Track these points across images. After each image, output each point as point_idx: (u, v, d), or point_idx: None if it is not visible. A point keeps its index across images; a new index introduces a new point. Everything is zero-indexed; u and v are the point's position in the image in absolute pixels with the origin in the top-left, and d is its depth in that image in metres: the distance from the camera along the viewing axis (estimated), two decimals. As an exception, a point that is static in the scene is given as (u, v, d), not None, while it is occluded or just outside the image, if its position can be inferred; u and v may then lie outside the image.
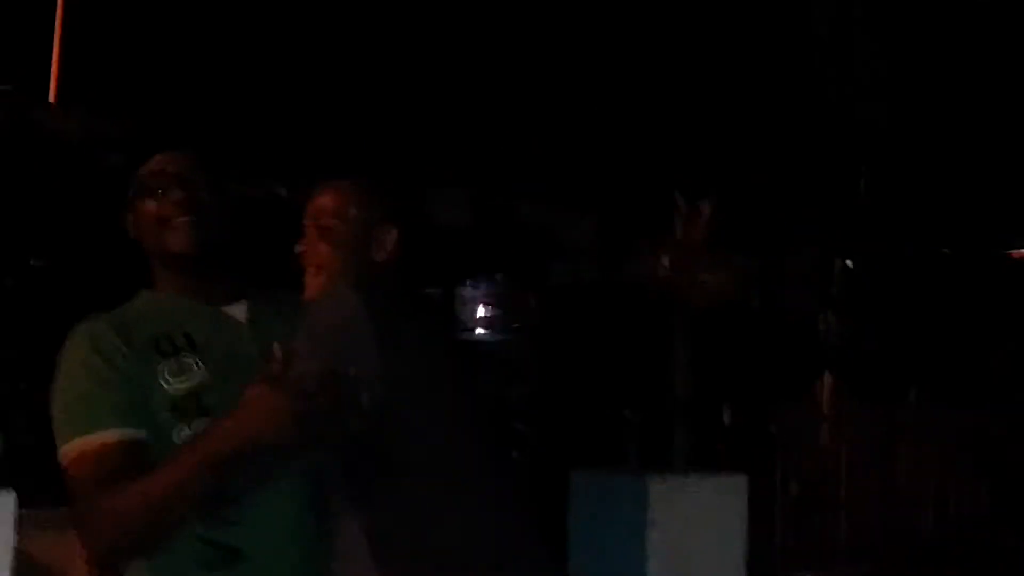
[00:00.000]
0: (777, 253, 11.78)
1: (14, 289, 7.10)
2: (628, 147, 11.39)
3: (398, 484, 2.14)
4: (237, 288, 2.32)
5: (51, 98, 9.11)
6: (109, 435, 2.05)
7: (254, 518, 2.12)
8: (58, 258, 7.15)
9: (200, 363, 2.17)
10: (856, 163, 12.80)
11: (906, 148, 12.94)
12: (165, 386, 2.13)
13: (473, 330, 7.95)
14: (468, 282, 8.34)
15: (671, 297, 9.74)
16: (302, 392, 1.95)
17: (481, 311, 7.80)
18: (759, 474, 9.17)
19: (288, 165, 8.96)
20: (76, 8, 9.93)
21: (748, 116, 11.92)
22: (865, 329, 12.10)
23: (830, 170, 12.51)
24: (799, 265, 12.03)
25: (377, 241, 2.38)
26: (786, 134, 12.28)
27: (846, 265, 12.36)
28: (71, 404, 2.09)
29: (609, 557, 2.27)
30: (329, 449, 2.10)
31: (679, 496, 2.38)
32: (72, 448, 2.05)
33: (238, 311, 2.30)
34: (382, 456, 2.13)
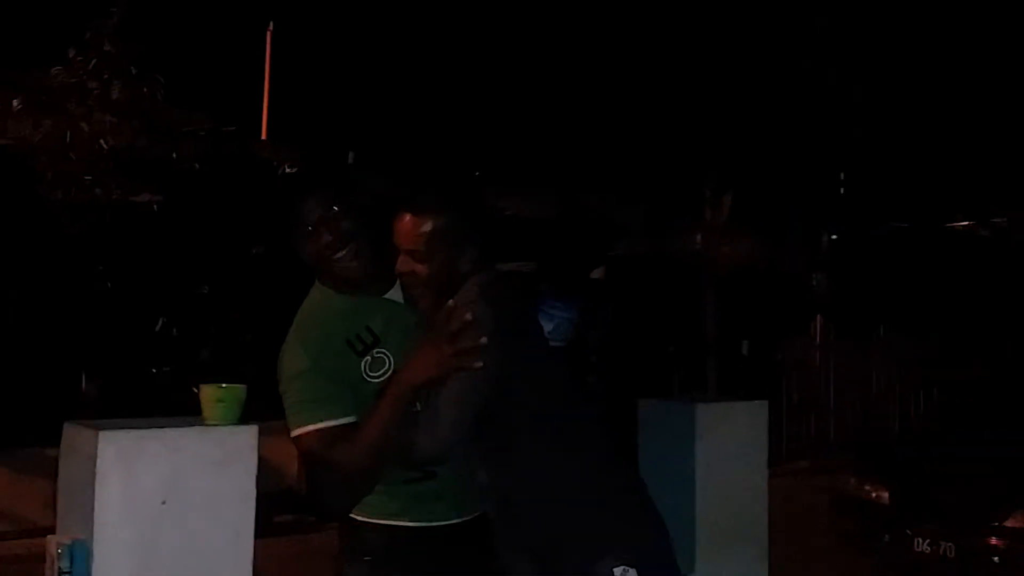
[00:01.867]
0: (780, 230, 11.61)
1: (242, 271, 7.19)
2: (669, 152, 11.27)
3: (524, 442, 1.92)
4: (389, 274, 2.07)
5: (263, 135, 9.24)
6: (329, 423, 1.96)
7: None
8: (269, 248, 7.21)
9: (388, 354, 2.04)
10: (836, 162, 12.50)
11: (875, 150, 12.63)
12: (370, 381, 2.03)
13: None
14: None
15: (702, 264, 9.68)
16: (460, 348, 1.82)
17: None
18: (770, 389, 9.18)
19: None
20: (281, 62, 9.98)
21: (758, 128, 11.69)
22: (845, 283, 11.86)
23: (817, 167, 12.25)
24: (796, 237, 11.85)
25: (467, 257, 1.99)
26: (785, 141, 12.03)
27: (831, 237, 12.12)
28: (299, 402, 1.98)
29: (668, 465, 2.26)
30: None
31: (719, 418, 2.36)
32: (304, 432, 1.97)
33: (396, 294, 2.11)
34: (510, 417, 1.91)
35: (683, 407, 2.59)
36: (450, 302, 1.93)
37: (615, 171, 11.69)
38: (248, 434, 1.82)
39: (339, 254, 2.01)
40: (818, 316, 10.36)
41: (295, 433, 1.97)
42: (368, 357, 2.04)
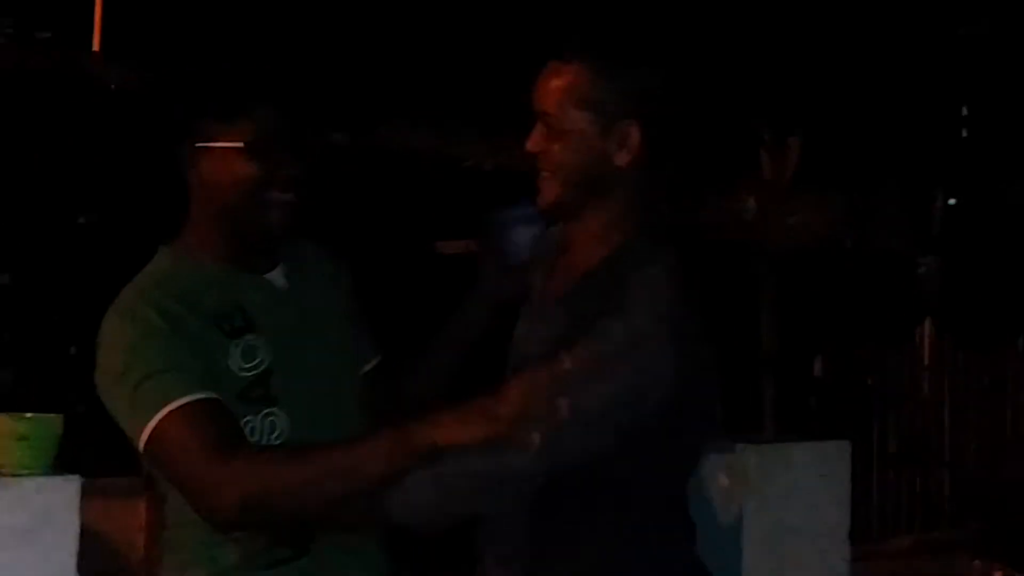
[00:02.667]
0: (872, 190, 11.67)
1: (62, 249, 7.17)
2: (705, 77, 11.30)
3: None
4: (273, 250, 2.18)
5: (95, 47, 9.21)
6: (201, 396, 1.97)
7: None
8: (107, 215, 7.21)
9: (262, 346, 2.10)
10: (958, 89, 12.59)
11: (1014, 74, 12.69)
12: (236, 371, 2.07)
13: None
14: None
15: (756, 242, 9.71)
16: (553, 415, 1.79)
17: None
18: (855, 429, 9.22)
19: (346, 109, 8.97)
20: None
21: (836, 39, 11.76)
22: (968, 271, 11.96)
23: (929, 97, 12.34)
24: (896, 203, 11.91)
25: (618, 139, 2.10)
26: (879, 58, 12.10)
27: (947, 202, 12.21)
28: (150, 377, 1.98)
29: (705, 530, 2.28)
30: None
31: (776, 466, 2.38)
32: (157, 418, 1.96)
33: (277, 277, 2.20)
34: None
35: (723, 449, 2.62)
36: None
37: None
38: (67, 489, 1.83)
39: (285, 196, 2.07)
40: (927, 319, 10.44)
41: (151, 424, 1.96)
42: (240, 342, 2.08)
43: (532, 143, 2.12)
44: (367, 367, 2.32)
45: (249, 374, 2.07)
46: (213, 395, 1.98)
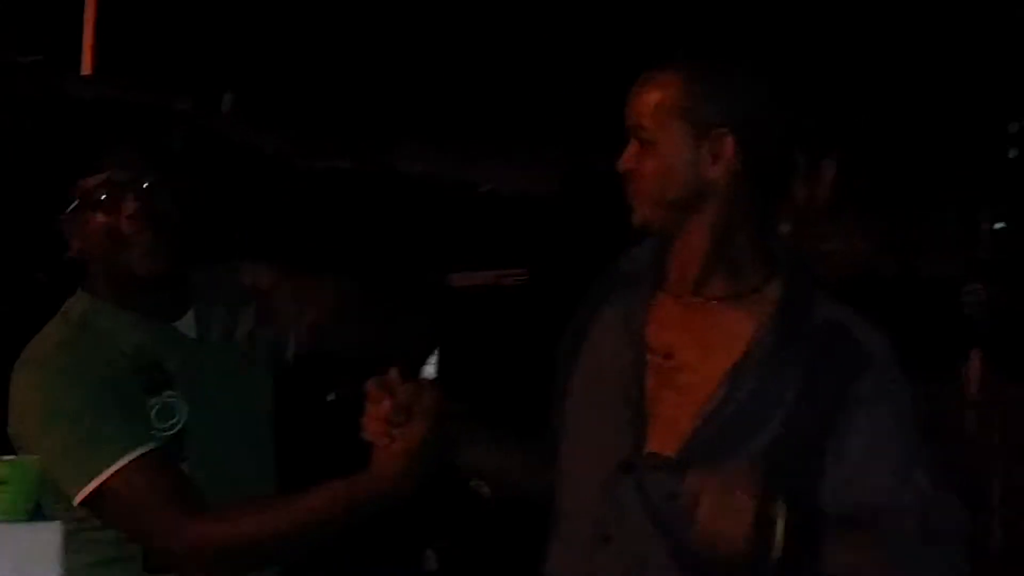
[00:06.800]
0: (915, 214, 11.65)
1: (46, 280, 7.19)
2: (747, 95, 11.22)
3: None
4: (182, 296, 2.19)
5: (86, 68, 9.28)
6: (148, 448, 2.08)
7: None
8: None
9: (181, 403, 2.15)
10: (1006, 107, 12.57)
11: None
12: (154, 431, 2.16)
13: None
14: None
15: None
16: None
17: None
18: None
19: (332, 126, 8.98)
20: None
21: (876, 56, 11.76)
22: (1019, 299, 11.92)
23: (976, 116, 12.32)
24: (941, 228, 11.89)
25: (711, 148, 2.11)
26: (922, 75, 12.10)
27: (995, 226, 12.18)
28: (88, 438, 2.05)
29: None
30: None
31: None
32: (115, 469, 2.08)
33: (187, 326, 2.23)
34: None
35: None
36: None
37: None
38: (48, 536, 1.85)
39: (137, 236, 2.08)
40: (975, 349, 10.39)
41: (101, 476, 2.09)
42: (157, 400, 2.15)
43: (626, 160, 2.11)
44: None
45: (165, 433, 2.15)
46: (156, 445, 2.03)
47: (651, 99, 2.09)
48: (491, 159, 9.85)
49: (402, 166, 9.48)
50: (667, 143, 2.08)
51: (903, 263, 11.26)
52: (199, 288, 2.27)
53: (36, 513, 1.93)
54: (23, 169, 6.80)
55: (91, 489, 2.06)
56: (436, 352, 11.55)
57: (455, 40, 11.21)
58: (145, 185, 2.15)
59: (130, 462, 2.10)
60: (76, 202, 2.21)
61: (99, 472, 2.07)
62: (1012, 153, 12.28)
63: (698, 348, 2.14)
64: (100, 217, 2.19)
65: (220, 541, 2.09)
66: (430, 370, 11.88)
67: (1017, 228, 12.60)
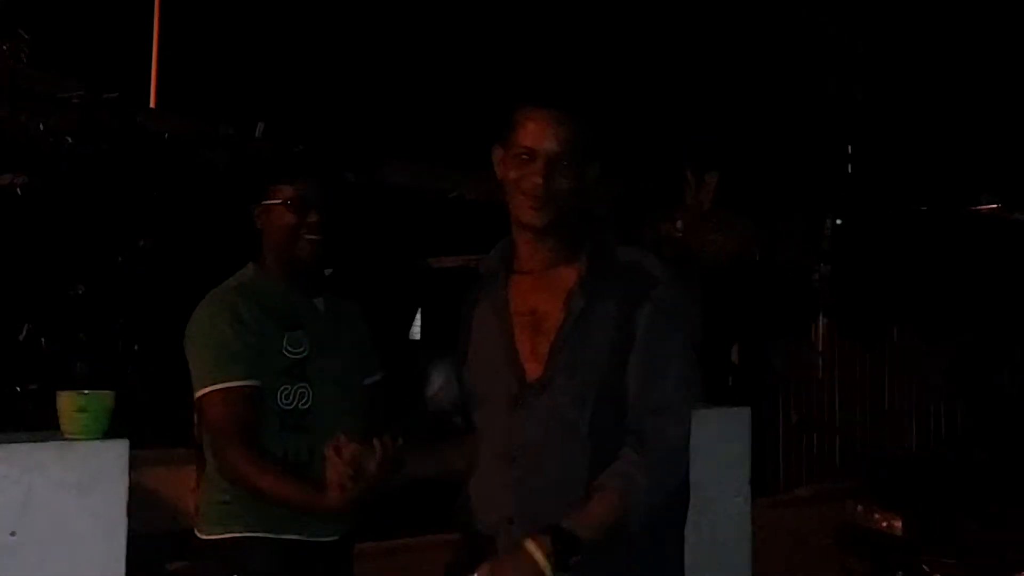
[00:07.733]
0: (775, 214, 11.74)
1: (126, 267, 7.12)
2: (643, 124, 11.34)
3: None
4: (318, 284, 2.47)
5: (151, 103, 9.16)
6: (238, 383, 2.24)
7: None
8: (161, 240, 7.16)
9: (306, 339, 2.35)
10: (842, 134, 12.67)
11: (885, 120, 12.81)
12: (285, 353, 2.32)
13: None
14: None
15: (684, 254, 9.75)
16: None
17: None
18: (764, 402, 9.29)
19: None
20: (172, 21, 9.94)
21: (746, 95, 11.80)
22: (853, 278, 12.02)
23: (819, 141, 12.39)
24: (795, 224, 11.99)
25: (591, 172, 2.07)
26: (780, 110, 12.16)
27: (836, 223, 12.27)
28: (213, 353, 2.27)
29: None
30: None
31: (695, 426, 2.38)
32: (208, 390, 2.23)
33: (319, 304, 2.45)
34: None
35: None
36: None
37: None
38: (117, 451, 1.81)
39: (312, 236, 2.38)
40: (821, 316, 10.48)
41: (206, 389, 2.25)
42: (292, 334, 2.35)
43: (536, 176, 2.06)
44: (372, 379, 2.54)
45: (294, 356, 2.33)
46: (254, 382, 2.26)
47: (558, 133, 2.05)
48: (457, 172, 9.91)
49: (390, 178, 9.52)
50: (571, 166, 2.10)
51: (767, 251, 11.39)
52: (327, 282, 2.50)
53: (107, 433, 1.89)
54: (101, 183, 6.80)
55: (198, 396, 2.26)
56: (419, 317, 11.58)
57: (430, 84, 11.18)
58: (327, 202, 2.43)
59: (220, 388, 2.24)
60: (272, 201, 2.40)
61: (203, 387, 2.25)
62: (849, 169, 12.43)
63: (551, 301, 2.16)
64: (289, 216, 2.38)
65: (241, 472, 2.25)
66: (415, 331, 11.90)
67: (852, 225, 12.80)
